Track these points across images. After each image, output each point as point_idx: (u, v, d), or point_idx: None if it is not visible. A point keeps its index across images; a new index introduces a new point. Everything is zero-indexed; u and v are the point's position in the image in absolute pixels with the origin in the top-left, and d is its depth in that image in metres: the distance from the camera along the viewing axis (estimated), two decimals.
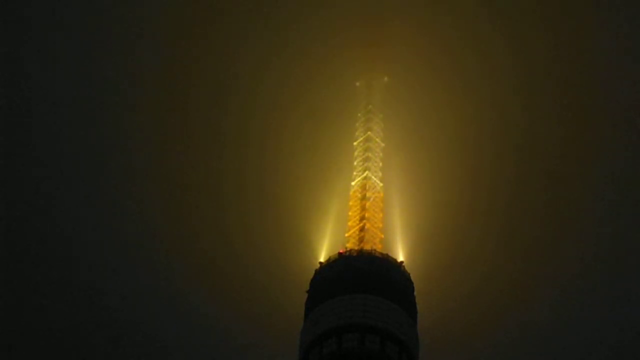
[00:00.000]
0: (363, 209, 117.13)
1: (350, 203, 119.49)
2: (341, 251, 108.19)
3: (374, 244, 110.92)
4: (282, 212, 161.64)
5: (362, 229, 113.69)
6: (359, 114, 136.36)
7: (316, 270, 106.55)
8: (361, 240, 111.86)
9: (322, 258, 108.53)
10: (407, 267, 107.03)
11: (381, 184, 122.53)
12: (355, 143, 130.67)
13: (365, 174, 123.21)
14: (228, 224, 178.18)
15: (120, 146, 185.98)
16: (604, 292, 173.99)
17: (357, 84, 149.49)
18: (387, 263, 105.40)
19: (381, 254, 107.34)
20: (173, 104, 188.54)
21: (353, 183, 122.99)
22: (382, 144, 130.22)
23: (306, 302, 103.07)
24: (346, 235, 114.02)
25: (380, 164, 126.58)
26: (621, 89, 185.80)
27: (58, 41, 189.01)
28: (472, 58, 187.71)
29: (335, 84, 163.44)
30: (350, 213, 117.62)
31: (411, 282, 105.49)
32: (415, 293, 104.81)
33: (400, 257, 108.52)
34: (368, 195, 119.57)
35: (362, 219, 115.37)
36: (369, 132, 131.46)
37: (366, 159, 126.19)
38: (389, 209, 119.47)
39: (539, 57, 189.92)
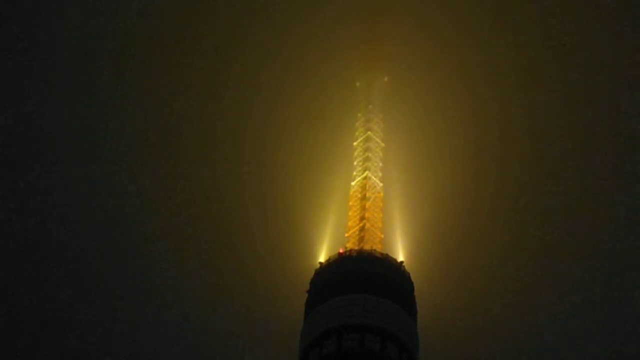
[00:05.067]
0: (363, 209, 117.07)
1: (350, 203, 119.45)
2: (341, 251, 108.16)
3: (374, 244, 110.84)
4: (282, 212, 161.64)
5: (362, 229, 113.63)
6: (359, 114, 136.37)
7: (316, 270, 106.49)
8: (361, 240, 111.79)
9: (322, 258, 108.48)
10: (407, 267, 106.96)
11: (381, 184, 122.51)
12: (355, 143, 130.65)
13: (365, 174, 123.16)
14: (227, 224, 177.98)
15: (117, 148, 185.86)
16: (607, 296, 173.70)
17: (357, 84, 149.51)
18: (387, 263, 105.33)
19: (381, 254, 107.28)
20: (171, 103, 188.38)
21: (353, 183, 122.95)
22: (382, 144, 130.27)
23: (306, 302, 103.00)
24: (346, 235, 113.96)
25: (380, 164, 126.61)
26: (625, 90, 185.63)
27: (56, 41, 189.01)
28: (473, 58, 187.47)
29: (335, 84, 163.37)
30: (350, 213, 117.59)
31: (411, 282, 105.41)
32: (415, 293, 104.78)
33: (400, 257, 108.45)
34: (368, 195, 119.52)
35: (362, 219, 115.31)
36: (369, 132, 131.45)
37: (366, 159, 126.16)
38: (389, 209, 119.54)
39: (541, 56, 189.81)
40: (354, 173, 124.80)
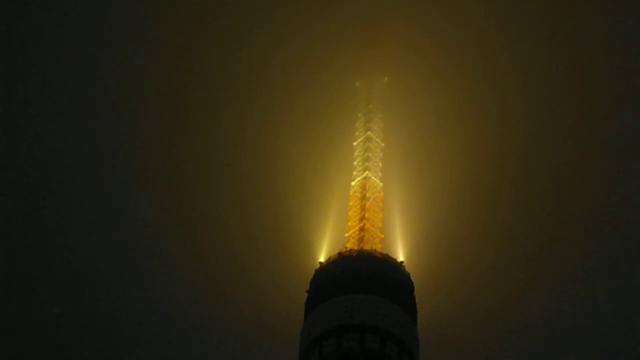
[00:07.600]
0: (363, 209, 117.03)
1: (350, 203, 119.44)
2: (341, 251, 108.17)
3: (374, 244, 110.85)
4: (282, 212, 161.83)
5: (362, 229, 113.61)
6: (359, 114, 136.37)
7: (316, 270, 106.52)
8: (361, 240, 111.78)
9: (322, 258, 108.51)
10: (407, 267, 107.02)
11: (381, 184, 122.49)
12: (355, 143, 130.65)
13: (365, 174, 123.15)
14: (227, 224, 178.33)
15: (118, 149, 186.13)
16: (606, 297, 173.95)
17: (357, 84, 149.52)
18: (387, 263, 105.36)
19: (381, 254, 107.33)
20: (171, 104, 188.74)
21: (353, 183, 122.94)
22: (382, 144, 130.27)
23: (306, 302, 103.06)
24: (346, 235, 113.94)
25: (380, 164, 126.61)
26: (627, 91, 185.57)
27: (57, 43, 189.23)
28: (473, 58, 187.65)
29: (335, 85, 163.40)
30: (350, 213, 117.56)
31: (411, 282, 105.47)
32: (415, 293, 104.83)
33: (400, 257, 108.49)
34: (368, 195, 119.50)
35: (362, 219, 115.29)
36: (369, 132, 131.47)
37: (366, 159, 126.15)
38: (389, 209, 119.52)
39: (542, 57, 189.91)
40: (354, 173, 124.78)
